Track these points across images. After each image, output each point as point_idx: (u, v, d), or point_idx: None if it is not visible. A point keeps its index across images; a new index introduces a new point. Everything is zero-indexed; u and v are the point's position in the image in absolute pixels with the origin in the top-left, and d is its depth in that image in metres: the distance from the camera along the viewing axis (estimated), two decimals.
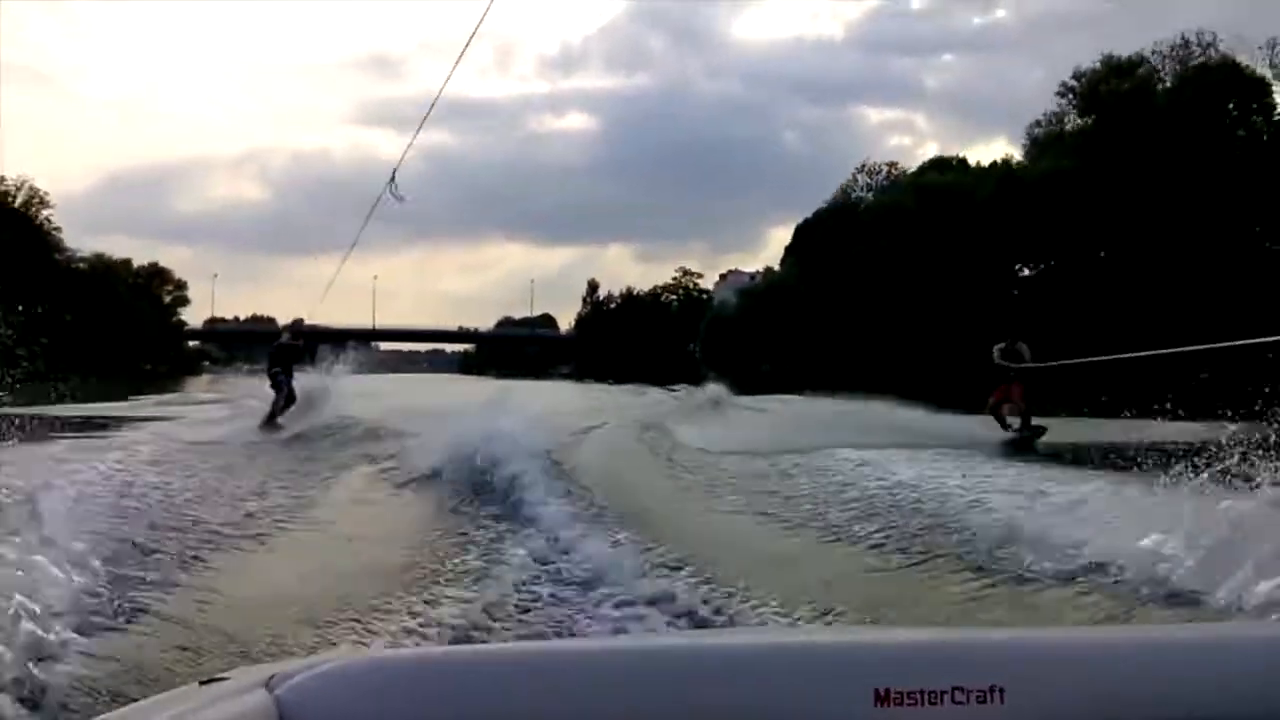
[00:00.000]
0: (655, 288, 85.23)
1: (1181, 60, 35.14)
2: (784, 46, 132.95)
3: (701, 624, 4.97)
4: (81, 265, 63.67)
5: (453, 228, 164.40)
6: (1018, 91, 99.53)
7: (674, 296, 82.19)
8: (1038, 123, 40.01)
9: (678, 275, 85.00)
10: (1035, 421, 15.61)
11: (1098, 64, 37.29)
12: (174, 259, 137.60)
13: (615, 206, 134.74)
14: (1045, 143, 38.81)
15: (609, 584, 5.68)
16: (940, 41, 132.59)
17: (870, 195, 53.34)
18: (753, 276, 75.38)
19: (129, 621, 4.72)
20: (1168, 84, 35.93)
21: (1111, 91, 35.33)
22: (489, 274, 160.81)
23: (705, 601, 5.37)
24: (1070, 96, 38.34)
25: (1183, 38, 35.55)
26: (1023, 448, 14.01)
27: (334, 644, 4.47)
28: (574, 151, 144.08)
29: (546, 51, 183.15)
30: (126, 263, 74.65)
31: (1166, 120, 32.06)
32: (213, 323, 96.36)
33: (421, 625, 4.84)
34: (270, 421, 16.91)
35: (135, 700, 1.37)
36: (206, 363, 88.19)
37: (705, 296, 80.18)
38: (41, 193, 59.13)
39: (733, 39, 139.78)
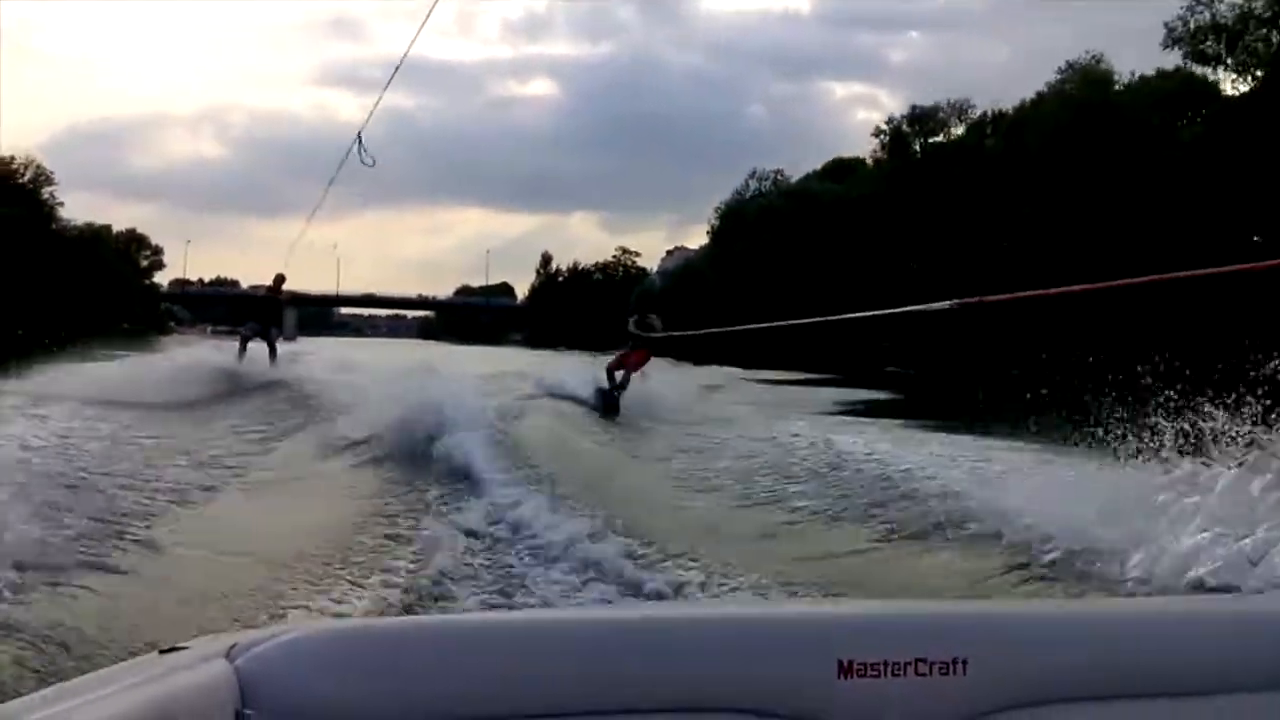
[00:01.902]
0: (597, 263, 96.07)
1: (960, 112, 47.92)
2: (750, 19, 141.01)
3: (665, 595, 5.24)
4: (74, 233, 73.00)
5: (414, 191, 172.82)
6: (981, 69, 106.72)
7: (614, 273, 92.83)
8: (882, 147, 52.84)
9: (618, 253, 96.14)
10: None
11: (904, 113, 50.30)
12: (134, 217, 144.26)
13: (579, 175, 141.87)
14: (888, 169, 51.30)
15: (571, 555, 5.93)
16: (906, 18, 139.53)
17: (761, 198, 64.91)
18: (696, 253, 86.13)
19: (86, 588, 4.85)
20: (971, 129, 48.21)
21: (913, 134, 47.88)
22: (450, 239, 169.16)
23: (669, 573, 5.65)
24: (881, 137, 50.98)
25: (948, 102, 48.71)
26: (611, 408, 15.88)
27: (292, 613, 4.63)
28: (538, 118, 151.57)
29: (510, 15, 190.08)
30: (107, 229, 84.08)
31: (958, 158, 44.27)
32: (178, 284, 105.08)
33: (378, 595, 5.03)
34: (240, 356, 18.63)
35: (95, 668, 1.39)
36: (173, 323, 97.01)
37: (644, 273, 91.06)
38: (48, 171, 68.51)
39: (699, 10, 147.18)
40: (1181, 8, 36.91)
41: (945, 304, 5.72)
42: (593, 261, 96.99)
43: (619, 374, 16.54)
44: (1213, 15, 36.65)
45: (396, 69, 8.03)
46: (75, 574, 5.03)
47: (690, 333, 20.77)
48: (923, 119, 48.85)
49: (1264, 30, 35.67)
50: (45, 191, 67.71)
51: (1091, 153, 35.85)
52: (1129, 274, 6.26)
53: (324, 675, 1.34)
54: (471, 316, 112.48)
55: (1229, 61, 36.42)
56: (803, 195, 55.00)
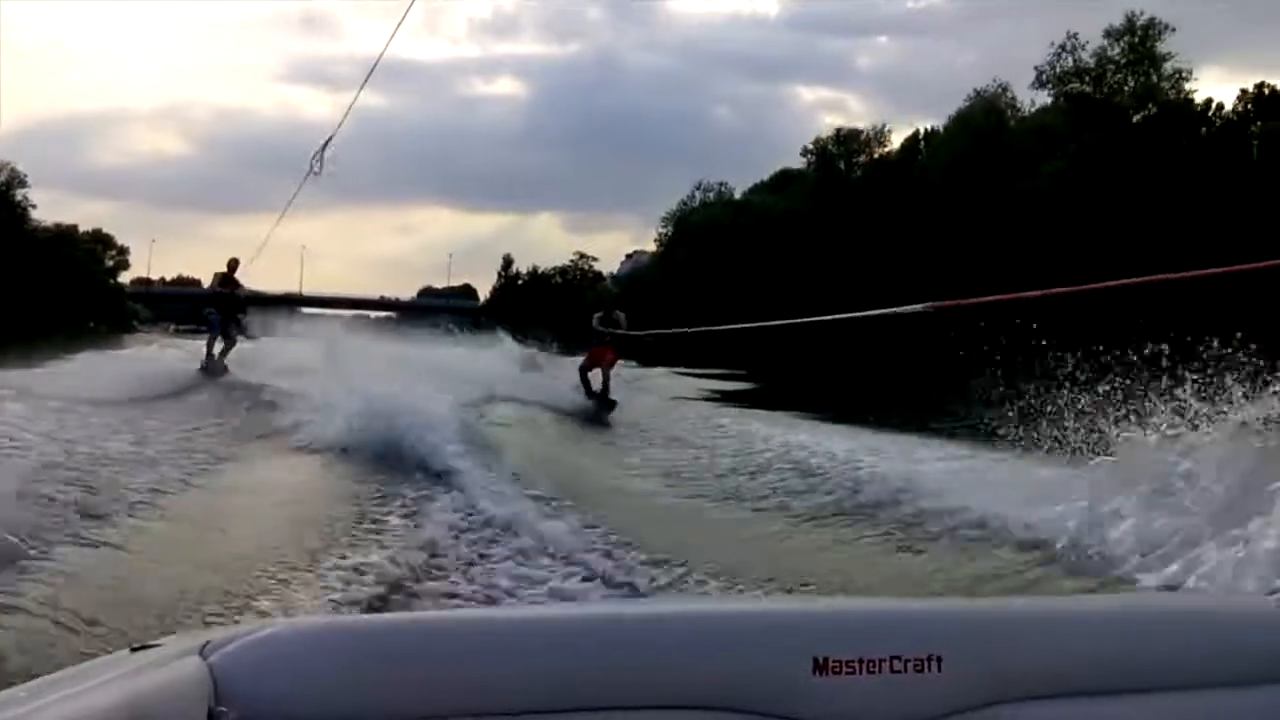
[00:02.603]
0: (555, 268, 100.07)
1: (879, 137, 53.47)
2: (719, 21, 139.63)
3: (638, 592, 5.35)
4: (46, 234, 75.98)
5: (380, 190, 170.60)
6: (950, 75, 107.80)
7: (572, 277, 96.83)
8: (811, 164, 58.01)
9: (575, 258, 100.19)
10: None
11: (831, 133, 55.78)
12: (96, 214, 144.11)
13: (545, 175, 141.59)
14: (812, 185, 56.41)
15: (545, 552, 6.13)
16: (874, 23, 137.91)
17: (704, 209, 69.71)
18: (647, 259, 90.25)
19: (55, 585, 4.91)
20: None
21: (838, 153, 53.03)
22: (416, 238, 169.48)
23: (641, 570, 5.77)
24: (810, 156, 56.22)
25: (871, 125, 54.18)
26: (603, 413, 15.74)
27: (266, 611, 4.72)
28: (504, 117, 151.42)
29: (478, 14, 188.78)
30: (74, 229, 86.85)
31: (877, 178, 49.27)
32: (140, 283, 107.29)
33: (352, 593, 5.15)
34: (209, 361, 18.44)
35: (65, 666, 1.40)
36: (135, 322, 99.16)
37: (600, 277, 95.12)
38: (21, 174, 71.64)
39: (667, 11, 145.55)
40: (1049, 53, 42.22)
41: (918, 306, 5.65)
42: (554, 264, 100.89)
43: (593, 374, 16.40)
44: (1075, 61, 41.87)
45: (370, 73, 8.12)
46: (45, 571, 5.13)
47: (649, 332, 22.54)
48: (847, 140, 54.36)
49: (1121, 75, 40.71)
50: (19, 194, 70.98)
51: (981, 182, 40.74)
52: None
53: (298, 673, 1.35)
54: (432, 318, 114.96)
55: (1090, 102, 41.37)
56: (741, 207, 60.04)
